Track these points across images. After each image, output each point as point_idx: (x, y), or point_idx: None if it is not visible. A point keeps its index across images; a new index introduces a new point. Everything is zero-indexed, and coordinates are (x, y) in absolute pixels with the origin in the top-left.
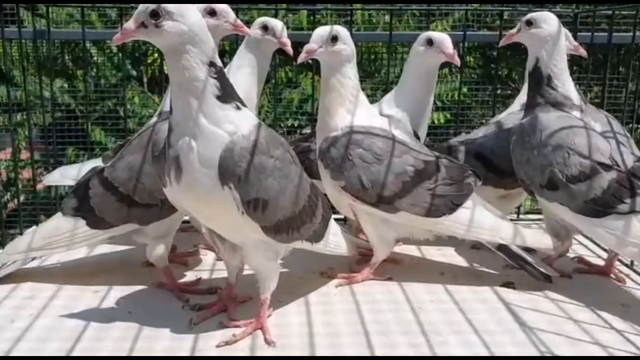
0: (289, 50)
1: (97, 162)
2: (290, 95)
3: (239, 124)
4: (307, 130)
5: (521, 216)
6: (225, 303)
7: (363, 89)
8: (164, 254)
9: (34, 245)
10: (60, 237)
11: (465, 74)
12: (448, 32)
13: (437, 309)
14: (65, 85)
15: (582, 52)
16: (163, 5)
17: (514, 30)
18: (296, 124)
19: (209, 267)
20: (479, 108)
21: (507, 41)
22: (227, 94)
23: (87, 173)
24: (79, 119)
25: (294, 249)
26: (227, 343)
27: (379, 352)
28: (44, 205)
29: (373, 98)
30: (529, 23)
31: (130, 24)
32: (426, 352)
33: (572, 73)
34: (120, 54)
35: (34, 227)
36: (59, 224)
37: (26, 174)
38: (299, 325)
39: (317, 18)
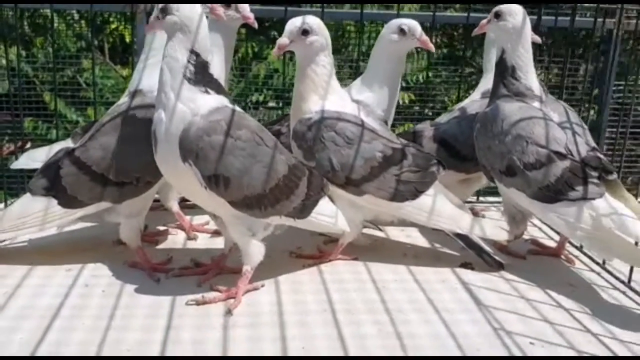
0: (253, 23)
1: (66, 144)
2: (257, 68)
3: (201, 104)
4: (272, 104)
5: (480, 198)
6: (208, 269)
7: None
8: (136, 233)
9: (3, 226)
10: (31, 217)
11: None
12: (416, 12)
13: (400, 289)
14: (23, 53)
15: (536, 38)
16: (169, 4)
17: (484, 21)
18: (261, 99)
19: (180, 245)
20: (443, 88)
21: (479, 31)
22: (198, 79)
23: (56, 153)
24: (37, 89)
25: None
26: (196, 302)
27: (345, 330)
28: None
29: (340, 75)
30: (497, 15)
31: (152, 18)
32: (390, 330)
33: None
34: (82, 22)
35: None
36: (29, 204)
37: None
38: (270, 304)
39: None
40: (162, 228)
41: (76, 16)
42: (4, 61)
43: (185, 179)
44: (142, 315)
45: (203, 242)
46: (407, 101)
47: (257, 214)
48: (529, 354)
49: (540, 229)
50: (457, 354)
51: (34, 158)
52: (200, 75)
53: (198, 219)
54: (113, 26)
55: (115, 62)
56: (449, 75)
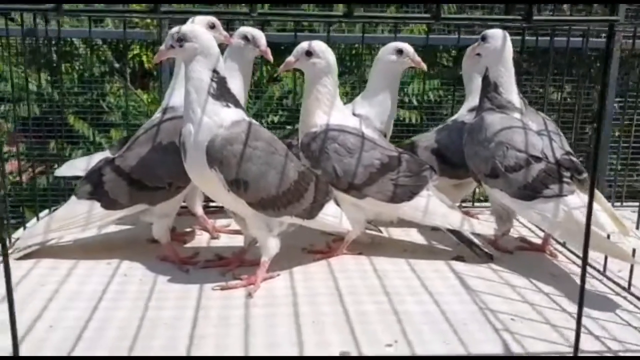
0: (269, 58)
1: (104, 154)
2: (272, 89)
3: (224, 117)
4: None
5: (476, 204)
6: (230, 261)
7: (344, 83)
8: (167, 231)
9: (52, 227)
10: (77, 218)
11: (438, 74)
12: (414, 35)
13: (398, 277)
14: (48, 78)
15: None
16: (182, 31)
17: (475, 44)
18: (276, 119)
19: (205, 243)
20: (447, 107)
21: (472, 53)
22: (220, 95)
23: (97, 163)
24: (60, 113)
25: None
26: (221, 288)
27: (349, 308)
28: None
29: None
30: (483, 38)
31: (162, 47)
32: (387, 308)
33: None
34: (105, 46)
35: (45, 212)
36: (75, 207)
37: (10, 166)
38: (284, 288)
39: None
40: (188, 230)
41: (99, 42)
42: (32, 87)
43: (211, 183)
44: (175, 298)
45: (224, 241)
46: (413, 120)
47: (271, 213)
48: (510, 328)
49: (529, 229)
50: (446, 327)
51: (75, 166)
52: (222, 90)
53: (220, 222)
54: (134, 52)
55: (135, 87)
56: (450, 94)
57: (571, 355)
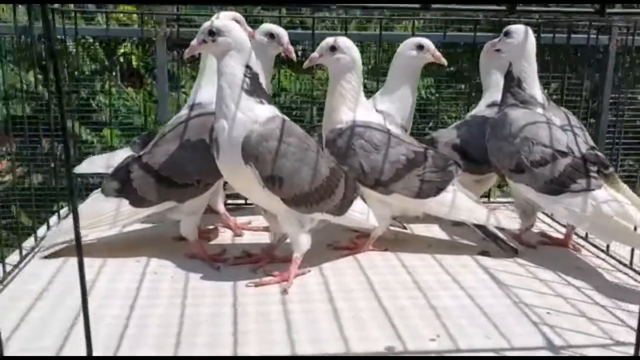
0: (293, 57)
1: (126, 152)
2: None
3: (258, 113)
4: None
5: (491, 199)
6: (260, 258)
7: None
8: (195, 229)
9: (80, 225)
10: (105, 215)
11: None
12: (402, 33)
13: (427, 272)
14: (39, 76)
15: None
16: (215, 25)
17: (496, 40)
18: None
19: (229, 240)
20: (446, 104)
21: (492, 48)
22: (253, 90)
23: (124, 160)
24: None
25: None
26: (255, 284)
27: (386, 303)
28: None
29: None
30: (506, 34)
31: (194, 42)
32: (423, 302)
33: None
34: (96, 44)
35: (65, 210)
36: (102, 204)
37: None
38: (317, 284)
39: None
40: (211, 227)
41: (90, 39)
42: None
43: (245, 179)
44: (210, 295)
45: (248, 238)
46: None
47: (303, 210)
48: (548, 322)
49: (548, 224)
50: (484, 321)
51: (95, 163)
52: (255, 86)
53: (241, 219)
54: (123, 50)
55: (125, 86)
56: (451, 92)
57: (632, 355)
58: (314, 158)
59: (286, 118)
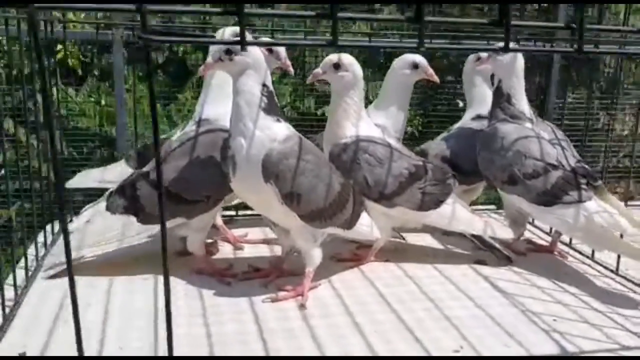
0: (291, 71)
1: (119, 166)
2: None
3: (277, 131)
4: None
5: (473, 207)
6: (270, 272)
7: None
8: (202, 244)
9: (86, 243)
10: (113, 233)
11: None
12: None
13: (433, 282)
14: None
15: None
16: (236, 47)
17: (486, 56)
18: None
19: (231, 254)
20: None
21: (482, 65)
22: (271, 109)
23: (130, 176)
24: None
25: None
26: (272, 300)
27: (405, 317)
28: None
29: None
30: (496, 51)
31: (210, 60)
32: (438, 314)
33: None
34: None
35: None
36: (110, 222)
37: None
38: (332, 297)
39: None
40: (210, 241)
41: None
42: None
43: (264, 197)
44: (230, 312)
45: (249, 251)
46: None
47: (317, 224)
48: (557, 329)
49: (532, 232)
50: (498, 330)
51: (88, 177)
52: (271, 105)
53: (236, 232)
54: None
55: (64, 85)
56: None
57: None
58: (327, 174)
59: (302, 136)
